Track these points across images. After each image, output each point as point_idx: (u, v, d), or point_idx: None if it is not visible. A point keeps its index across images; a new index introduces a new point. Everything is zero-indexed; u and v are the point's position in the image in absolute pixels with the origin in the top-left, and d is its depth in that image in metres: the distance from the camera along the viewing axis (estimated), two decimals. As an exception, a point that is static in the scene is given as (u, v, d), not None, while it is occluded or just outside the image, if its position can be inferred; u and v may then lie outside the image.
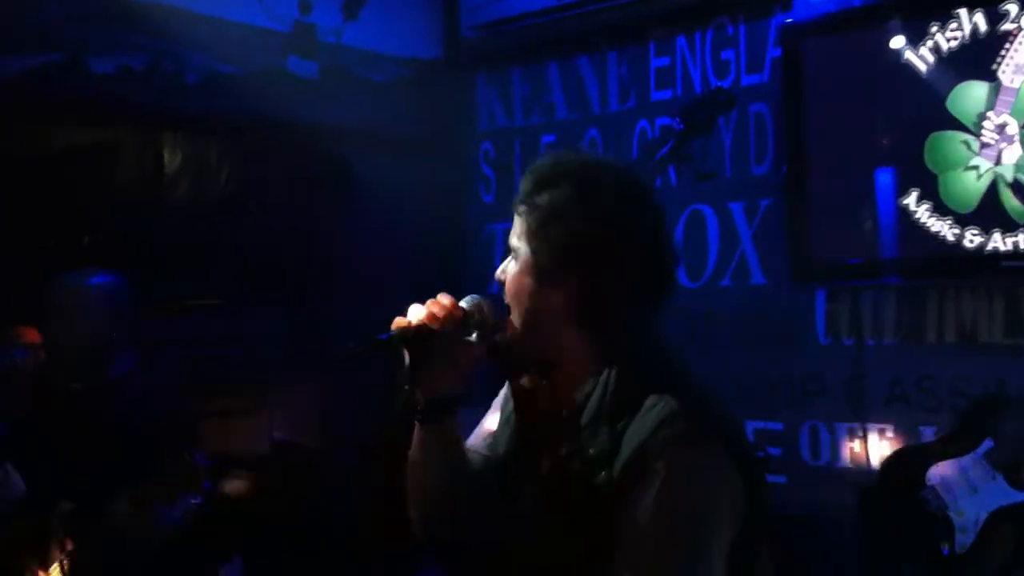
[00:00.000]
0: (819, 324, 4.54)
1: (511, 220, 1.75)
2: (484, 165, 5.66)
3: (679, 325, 4.52)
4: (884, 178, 4.25)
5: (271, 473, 2.85)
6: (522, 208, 1.71)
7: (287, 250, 4.78)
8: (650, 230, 1.69)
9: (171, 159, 4.66)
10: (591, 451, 1.63)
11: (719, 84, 4.73)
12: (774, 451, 4.51)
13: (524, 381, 1.80)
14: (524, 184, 1.72)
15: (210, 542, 2.95)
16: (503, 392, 1.88)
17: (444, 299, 1.74)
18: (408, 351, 1.72)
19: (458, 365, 1.76)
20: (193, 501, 2.71)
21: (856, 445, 4.40)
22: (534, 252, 1.69)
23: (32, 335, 3.89)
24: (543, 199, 1.68)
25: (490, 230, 5.55)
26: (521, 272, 1.72)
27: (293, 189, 4.88)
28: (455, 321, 1.73)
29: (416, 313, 1.73)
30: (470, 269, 5.52)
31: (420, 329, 1.71)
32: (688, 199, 4.84)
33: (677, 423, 1.58)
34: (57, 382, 3.06)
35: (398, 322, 1.72)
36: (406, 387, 1.73)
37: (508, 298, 1.74)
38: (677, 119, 3.72)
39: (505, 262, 1.76)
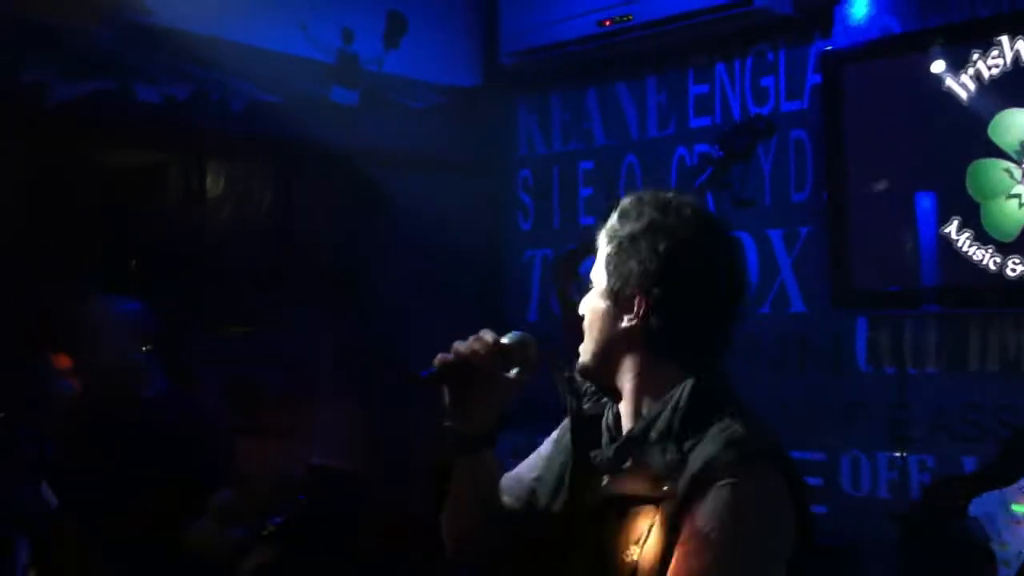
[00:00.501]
0: (860, 352, 4.51)
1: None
2: (522, 192, 5.68)
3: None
4: (925, 205, 4.22)
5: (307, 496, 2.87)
6: (603, 239, 1.79)
7: (328, 273, 4.83)
8: (725, 260, 1.78)
9: (214, 183, 4.73)
10: (657, 467, 1.67)
11: (758, 111, 4.74)
12: (814, 481, 4.47)
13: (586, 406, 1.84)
14: (609, 219, 1.81)
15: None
16: (562, 425, 1.92)
17: (487, 336, 1.80)
18: (448, 386, 1.78)
19: (496, 402, 1.82)
20: (275, 520, 2.72)
21: (897, 475, 4.35)
22: (610, 278, 1.77)
23: (66, 361, 3.97)
24: (623, 229, 1.76)
25: (528, 256, 5.56)
26: (598, 298, 1.78)
27: (334, 213, 4.93)
28: (496, 358, 1.79)
29: (459, 349, 1.78)
30: (508, 296, 5.53)
31: (461, 365, 1.77)
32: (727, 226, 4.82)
33: (743, 446, 1.65)
34: (94, 402, 3.13)
35: (441, 358, 1.78)
36: (445, 422, 1.78)
37: (586, 325, 1.79)
38: (716, 146, 3.73)
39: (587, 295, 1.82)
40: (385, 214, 4.97)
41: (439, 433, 1.77)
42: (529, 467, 1.94)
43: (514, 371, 1.82)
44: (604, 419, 1.83)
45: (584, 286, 1.88)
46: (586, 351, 1.80)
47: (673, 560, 1.61)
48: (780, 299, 4.75)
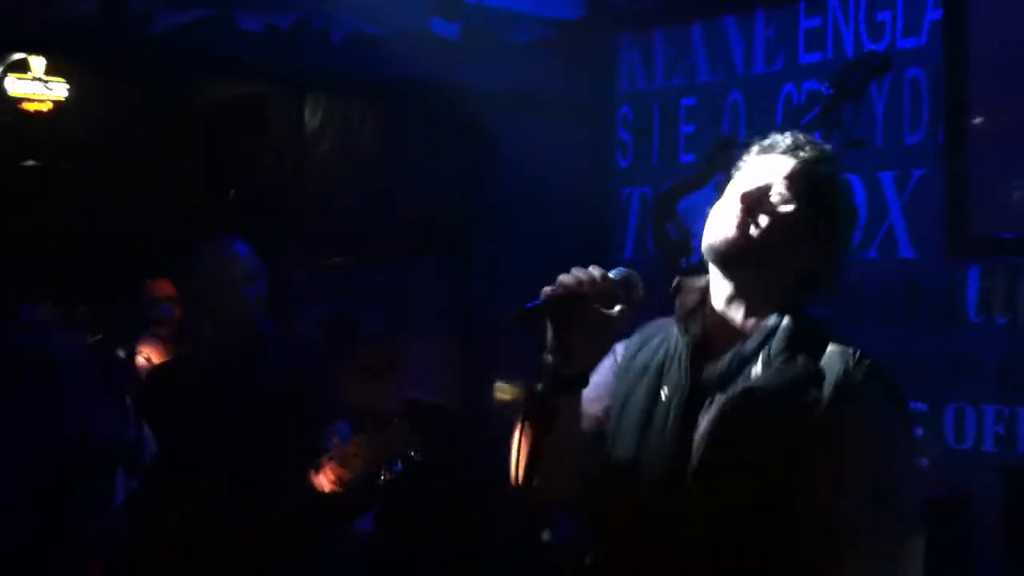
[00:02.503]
0: (971, 301, 4.35)
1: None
2: (622, 129, 5.58)
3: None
4: (1048, 149, 4.05)
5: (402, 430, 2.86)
6: (798, 160, 1.87)
7: (428, 209, 4.82)
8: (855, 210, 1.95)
9: (313, 116, 4.73)
10: (791, 373, 1.76)
11: (873, 47, 4.55)
12: (917, 432, 4.36)
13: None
14: (799, 146, 1.89)
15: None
16: (616, 352, 1.95)
17: (594, 270, 1.77)
18: (552, 320, 1.75)
19: (598, 339, 1.80)
20: (396, 468, 2.71)
21: (1004, 428, 4.22)
22: (799, 202, 1.84)
23: (167, 287, 4.02)
24: (819, 168, 1.87)
25: (626, 194, 5.47)
26: (793, 217, 1.84)
27: (434, 148, 4.91)
28: (602, 293, 1.76)
29: (566, 281, 1.75)
30: (605, 233, 5.48)
31: (568, 298, 1.73)
32: (835, 167, 4.68)
33: (872, 362, 1.77)
34: (217, 342, 3.16)
35: (548, 290, 1.75)
36: (548, 356, 1.74)
37: (766, 230, 1.83)
38: (826, 83, 3.60)
39: (753, 187, 1.86)
40: (485, 150, 4.93)
41: (539, 370, 1.73)
42: (591, 399, 1.91)
43: (617, 308, 1.78)
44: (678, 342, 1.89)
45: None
46: (764, 249, 1.83)
47: (827, 468, 1.70)
48: (888, 243, 4.60)
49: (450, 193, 4.90)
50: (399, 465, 2.66)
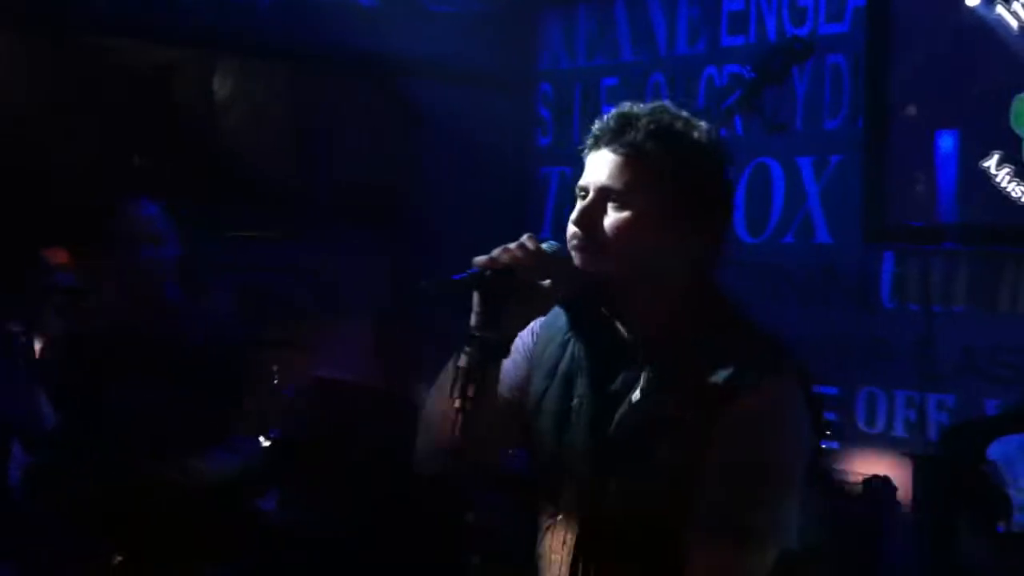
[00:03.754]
0: (885, 287, 4.39)
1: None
2: (542, 107, 5.52)
3: (738, 280, 4.39)
4: (966, 138, 4.07)
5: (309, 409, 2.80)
6: (627, 154, 1.74)
7: (352, 180, 4.71)
8: (729, 182, 1.84)
9: (223, 84, 4.59)
10: (689, 372, 1.71)
11: (796, 32, 4.55)
12: (828, 416, 4.39)
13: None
14: (625, 130, 1.75)
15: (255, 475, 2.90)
16: (544, 323, 1.90)
17: (529, 243, 1.72)
18: (481, 292, 1.71)
19: (528, 311, 1.77)
20: (272, 435, 2.67)
21: (914, 414, 4.27)
22: (658, 197, 1.73)
23: (63, 256, 3.86)
24: (657, 147, 1.74)
25: (545, 174, 5.43)
26: (636, 217, 1.74)
27: (356, 118, 4.79)
28: (536, 266, 1.71)
29: (500, 255, 1.71)
30: (523, 211, 5.42)
31: (502, 270, 1.69)
32: (754, 151, 4.69)
33: (767, 355, 1.73)
34: (120, 307, 3.04)
35: (478, 261, 1.71)
36: (474, 329, 1.70)
37: (612, 240, 1.73)
38: (748, 67, 3.58)
39: (583, 205, 1.77)
40: (407, 119, 4.83)
41: (465, 340, 1.69)
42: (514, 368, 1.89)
43: (547, 282, 1.73)
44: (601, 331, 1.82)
45: None
46: (619, 264, 1.74)
47: (714, 458, 1.67)
48: (805, 228, 4.63)
49: (373, 164, 4.80)
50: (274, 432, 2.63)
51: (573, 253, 1.75)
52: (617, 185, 1.73)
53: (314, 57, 4.63)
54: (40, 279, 3.40)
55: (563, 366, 1.85)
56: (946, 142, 4.12)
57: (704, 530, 1.67)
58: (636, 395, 1.74)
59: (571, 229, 1.76)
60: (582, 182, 1.78)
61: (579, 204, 1.78)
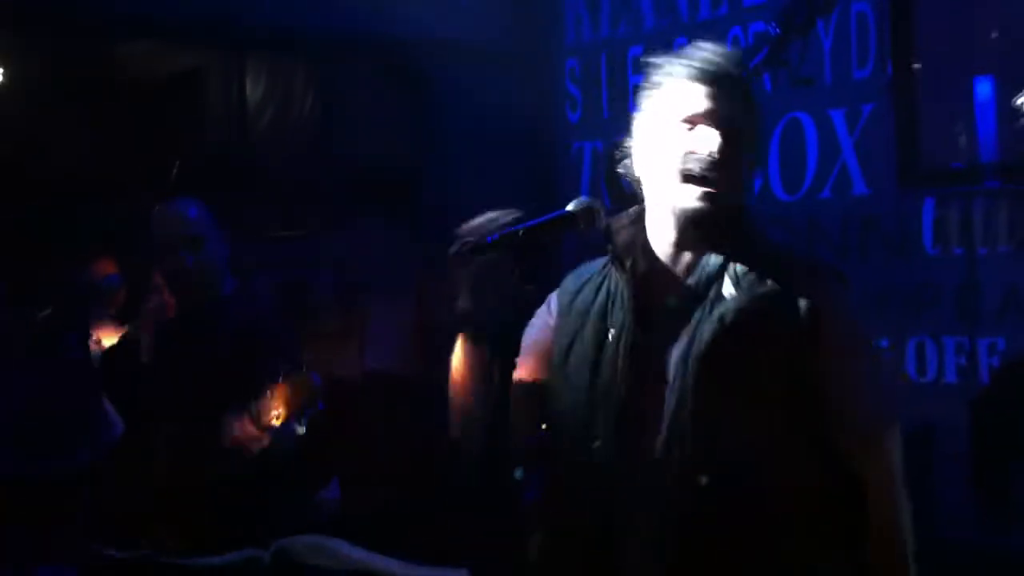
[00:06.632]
0: (926, 233, 4.34)
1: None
2: (570, 83, 5.52)
3: (779, 238, 4.36)
4: (996, 77, 4.01)
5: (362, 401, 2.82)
6: (724, 83, 1.82)
7: (375, 166, 4.73)
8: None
9: (255, 83, 4.62)
10: (766, 287, 1.78)
11: (818, -16, 4.51)
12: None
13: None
14: (713, 63, 1.84)
15: (312, 465, 2.93)
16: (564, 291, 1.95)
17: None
18: (516, 251, 1.78)
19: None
20: (305, 422, 2.70)
21: (965, 359, 4.22)
22: (748, 124, 1.84)
23: (109, 266, 3.94)
24: (740, 74, 1.86)
25: (577, 148, 5.43)
26: (745, 141, 1.83)
27: (379, 104, 4.81)
28: (560, 226, 1.80)
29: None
30: (557, 188, 5.42)
31: (535, 228, 1.78)
32: (785, 107, 4.65)
33: (820, 265, 1.88)
34: (179, 305, 3.10)
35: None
36: (516, 285, 1.79)
37: (731, 163, 1.80)
38: (773, 24, 3.55)
39: (709, 133, 1.81)
40: (431, 104, 4.84)
41: (509, 298, 1.79)
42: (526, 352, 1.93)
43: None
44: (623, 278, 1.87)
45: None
46: (722, 187, 1.80)
47: (841, 363, 1.78)
48: (842, 181, 4.58)
49: (396, 149, 4.81)
50: (307, 416, 2.67)
51: (693, 182, 1.79)
52: (727, 112, 1.81)
53: (336, 41, 4.63)
54: (87, 286, 3.46)
55: (597, 303, 1.88)
56: (980, 82, 4.06)
57: (864, 425, 1.80)
58: (725, 313, 1.77)
59: (699, 156, 1.79)
60: (686, 113, 1.82)
61: (699, 131, 1.81)
